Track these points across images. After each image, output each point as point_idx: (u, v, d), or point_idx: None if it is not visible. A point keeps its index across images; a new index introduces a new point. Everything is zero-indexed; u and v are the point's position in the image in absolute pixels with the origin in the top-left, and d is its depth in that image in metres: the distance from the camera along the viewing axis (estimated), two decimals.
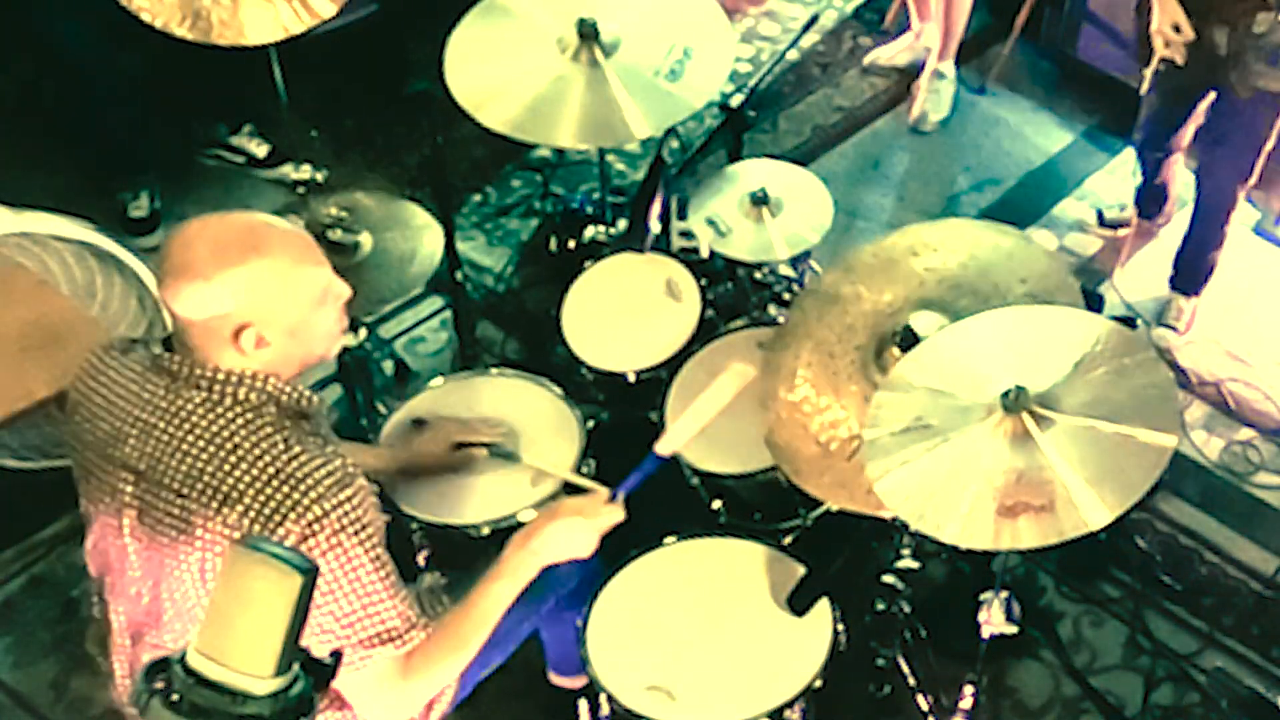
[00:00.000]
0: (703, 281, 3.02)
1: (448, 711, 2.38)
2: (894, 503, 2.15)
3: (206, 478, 1.92)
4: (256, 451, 1.92)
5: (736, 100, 3.20)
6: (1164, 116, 3.45)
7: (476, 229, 3.97)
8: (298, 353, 2.00)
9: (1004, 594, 2.53)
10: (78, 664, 3.02)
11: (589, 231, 3.63)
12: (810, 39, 4.54)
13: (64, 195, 3.29)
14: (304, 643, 1.38)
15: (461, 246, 3.48)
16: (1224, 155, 3.36)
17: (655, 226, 2.93)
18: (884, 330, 2.50)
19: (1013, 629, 2.56)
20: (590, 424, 2.72)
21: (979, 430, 2.15)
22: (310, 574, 1.36)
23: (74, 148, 3.99)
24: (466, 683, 2.35)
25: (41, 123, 4.10)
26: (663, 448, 2.24)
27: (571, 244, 3.70)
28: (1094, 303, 3.11)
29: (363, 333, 3.08)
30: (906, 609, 2.85)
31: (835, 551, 2.61)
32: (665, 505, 2.40)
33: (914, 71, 4.36)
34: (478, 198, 4.07)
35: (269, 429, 1.94)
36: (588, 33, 2.97)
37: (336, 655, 1.46)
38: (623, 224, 3.59)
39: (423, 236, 2.97)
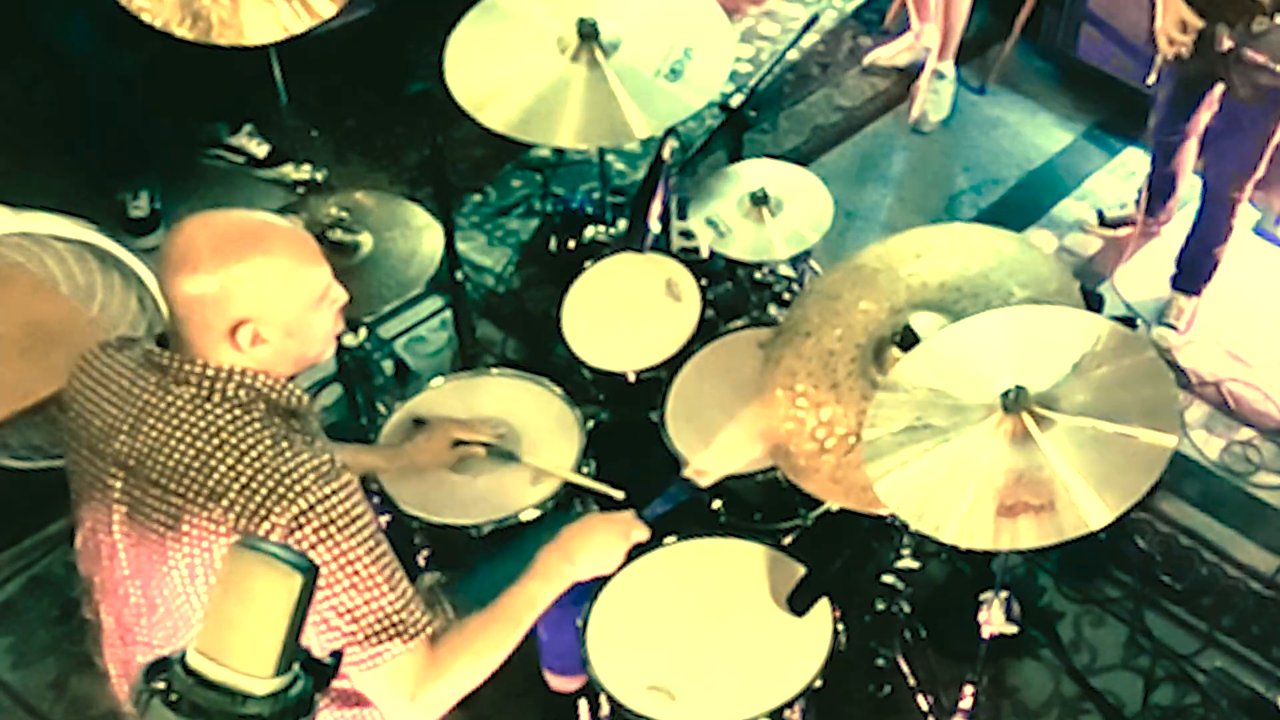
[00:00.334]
0: (703, 281, 3.02)
1: (446, 712, 2.38)
2: (894, 503, 2.15)
3: (193, 473, 1.92)
4: (243, 447, 1.92)
5: (736, 100, 3.20)
6: (1177, 102, 3.45)
7: (476, 229, 3.97)
8: (293, 352, 2.01)
9: (1004, 594, 2.53)
10: (78, 664, 3.02)
11: (589, 231, 3.63)
12: (810, 39, 4.54)
13: (64, 195, 3.29)
14: (310, 638, 1.38)
15: (461, 246, 3.48)
16: (1228, 149, 3.36)
17: (655, 226, 2.93)
18: (884, 330, 2.50)
19: (1013, 629, 2.56)
20: (590, 424, 2.72)
21: (979, 430, 2.15)
22: (310, 574, 1.36)
23: (74, 148, 4.00)
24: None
25: (41, 123, 4.11)
26: (704, 480, 2.26)
27: (571, 244, 3.70)
28: (1094, 303, 3.12)
29: (363, 333, 3.09)
30: (906, 609, 2.85)
31: (835, 551, 2.61)
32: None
33: (914, 71, 4.36)
34: (478, 198, 4.07)
35: (256, 425, 1.94)
36: (588, 33, 2.97)
37: (337, 655, 1.46)
38: (623, 224, 3.59)
39: (423, 236, 2.97)
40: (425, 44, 3.15)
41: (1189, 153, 3.62)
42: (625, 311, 3.03)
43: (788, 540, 2.65)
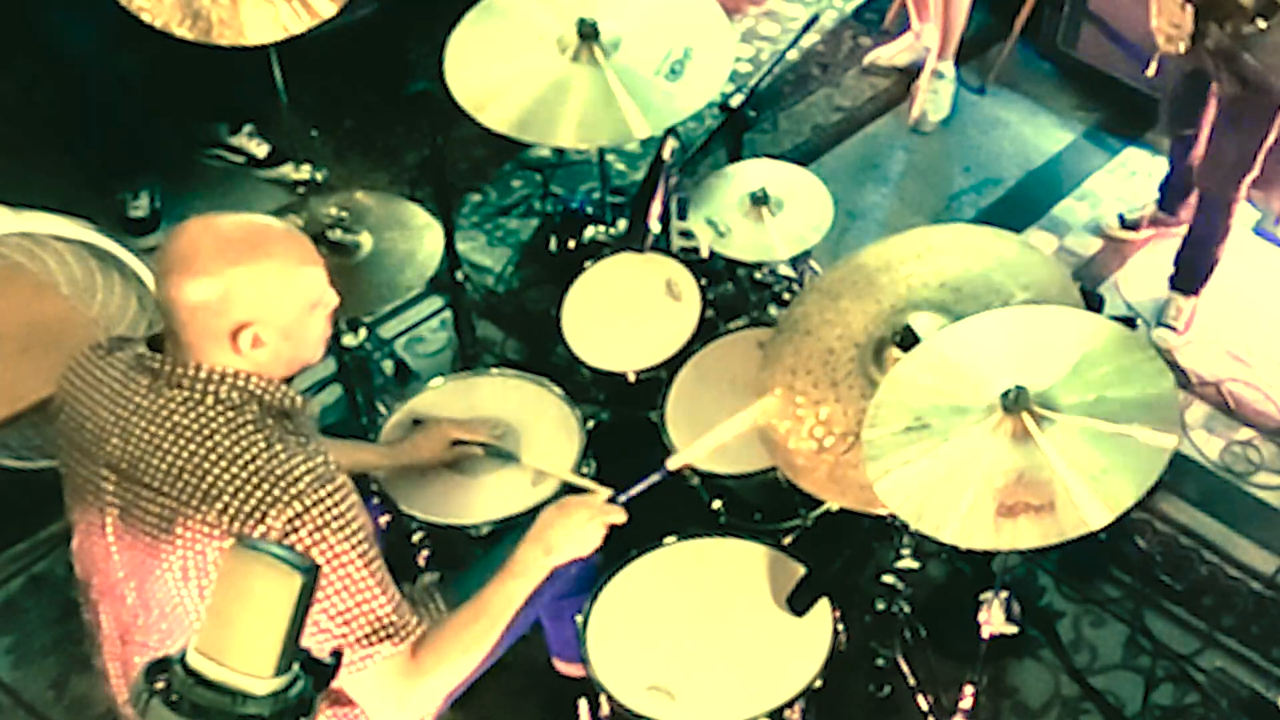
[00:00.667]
0: (703, 281, 3.02)
1: (445, 710, 2.38)
2: (894, 503, 2.15)
3: (186, 476, 1.93)
4: (236, 450, 1.92)
5: (736, 100, 3.20)
6: (1182, 97, 3.45)
7: (476, 229, 3.97)
8: (288, 355, 2.01)
9: (1004, 594, 2.53)
10: (78, 664, 3.02)
11: (589, 231, 3.63)
12: (810, 39, 4.54)
13: (64, 195, 3.29)
14: (301, 642, 1.38)
15: (461, 246, 3.48)
16: (1223, 148, 3.35)
17: (655, 226, 2.93)
18: (883, 330, 2.50)
19: (1013, 629, 2.56)
20: (590, 424, 2.72)
21: (979, 430, 2.15)
22: (310, 574, 1.36)
23: (74, 148, 4.00)
24: (464, 681, 2.35)
25: (41, 123, 4.11)
26: (674, 463, 2.25)
27: (571, 244, 3.70)
28: (1094, 303, 3.12)
29: (363, 333, 3.09)
30: (906, 609, 2.85)
31: (835, 551, 2.61)
32: (665, 505, 2.40)
33: (914, 71, 4.36)
34: (477, 198, 4.07)
35: (250, 427, 1.94)
36: (588, 33, 2.97)
37: (337, 655, 1.46)
38: (623, 224, 3.59)
39: (423, 236, 2.97)
40: (425, 44, 3.15)
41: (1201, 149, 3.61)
42: (625, 311, 3.03)
43: (788, 540, 2.65)
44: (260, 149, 4.08)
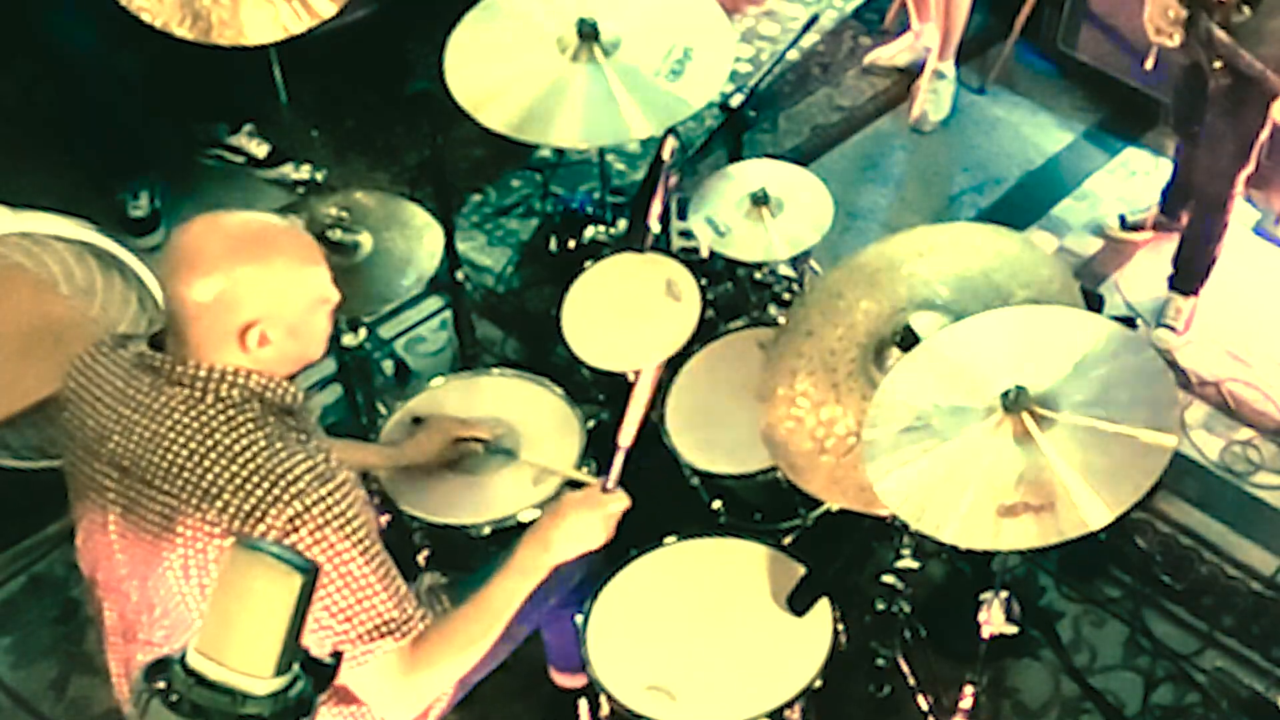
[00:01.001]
0: (703, 281, 3.01)
1: (447, 711, 2.38)
2: (894, 503, 2.15)
3: (187, 474, 1.93)
4: (237, 448, 1.92)
5: (736, 100, 3.20)
6: (1183, 92, 3.45)
7: (476, 229, 3.97)
8: (294, 352, 2.02)
9: (1004, 594, 2.53)
10: (78, 664, 3.02)
11: (589, 231, 3.63)
12: (810, 39, 4.54)
13: (64, 195, 3.29)
14: (303, 639, 1.38)
15: (461, 246, 3.48)
16: (1218, 142, 3.34)
17: (655, 226, 2.93)
18: (884, 330, 2.50)
19: (1013, 629, 2.56)
20: (591, 424, 2.72)
21: (979, 430, 2.15)
22: (310, 574, 1.36)
23: (74, 148, 4.00)
24: (467, 682, 2.35)
25: (41, 123, 4.10)
26: (623, 437, 2.23)
27: (571, 244, 3.70)
28: (1094, 303, 3.12)
29: (363, 333, 3.09)
30: (906, 609, 2.85)
31: (835, 551, 2.61)
32: (665, 505, 2.40)
33: (914, 71, 4.36)
34: (478, 198, 4.07)
35: (250, 425, 1.94)
36: (588, 33, 2.97)
37: (337, 655, 1.46)
38: (623, 224, 3.59)
39: (423, 236, 2.97)
40: (425, 44, 3.14)
41: None
42: (625, 311, 3.03)
43: (788, 540, 2.65)
44: (260, 149, 4.08)
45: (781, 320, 2.83)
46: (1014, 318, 2.34)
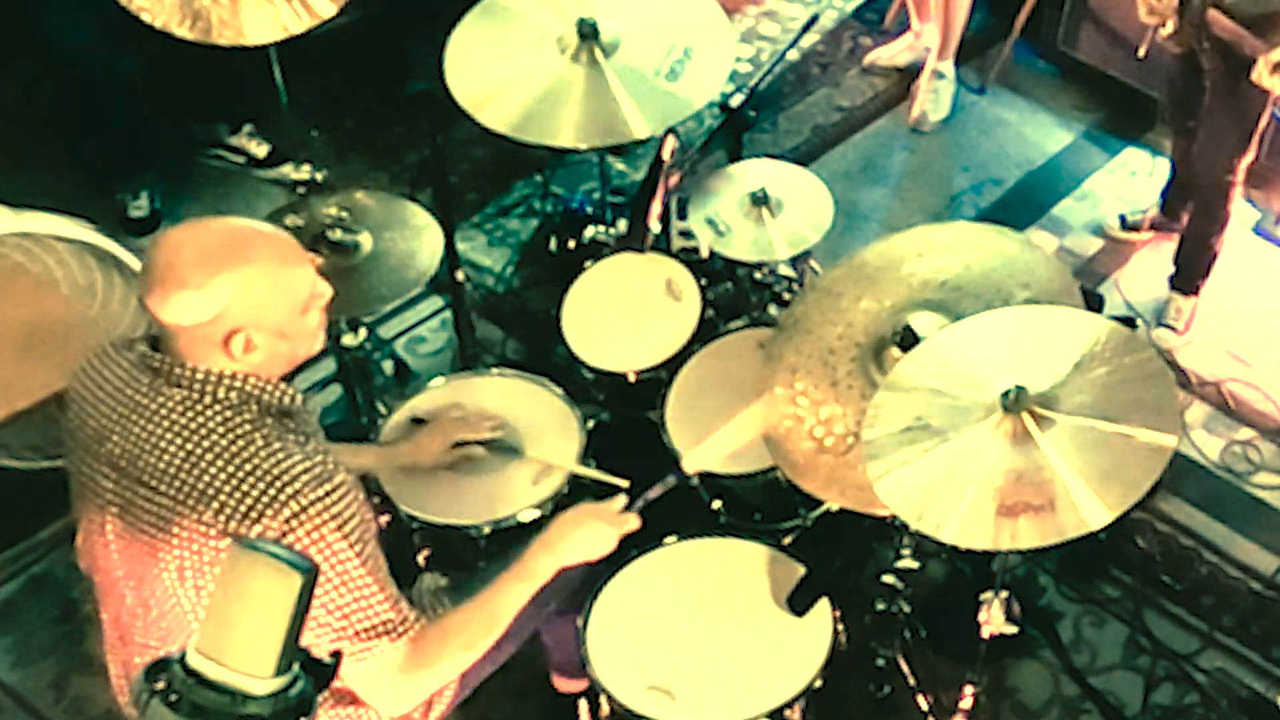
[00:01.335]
0: (703, 281, 3.02)
1: (448, 712, 2.38)
2: (894, 502, 2.15)
3: (184, 475, 1.93)
4: (233, 449, 1.92)
5: (736, 100, 3.20)
6: (1182, 86, 3.45)
7: (476, 229, 3.97)
8: (286, 352, 2.01)
9: (1004, 594, 2.53)
10: (78, 664, 3.02)
11: (589, 231, 3.63)
12: (810, 39, 4.53)
13: (64, 195, 3.29)
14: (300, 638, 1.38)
15: (461, 246, 3.48)
16: (1216, 129, 3.34)
17: (655, 226, 2.93)
18: (884, 330, 2.50)
19: (1013, 629, 2.56)
20: (590, 424, 2.72)
21: (979, 430, 2.15)
22: (310, 574, 1.36)
23: (74, 148, 4.00)
24: (467, 683, 2.35)
25: (41, 123, 4.10)
26: (690, 465, 2.26)
27: (571, 244, 3.70)
28: (1094, 303, 3.12)
29: (363, 333, 3.08)
30: (906, 609, 2.85)
31: (835, 551, 2.61)
32: (665, 505, 2.40)
33: (914, 71, 4.36)
34: (478, 197, 4.07)
35: (247, 427, 1.94)
36: (588, 33, 2.97)
37: (337, 655, 1.46)
38: (623, 224, 3.59)
39: (423, 236, 2.97)
40: (425, 44, 3.14)
41: None
42: (625, 311, 3.03)
43: (788, 540, 2.65)
44: (260, 149, 4.08)
45: (781, 319, 2.83)
46: (1014, 318, 2.34)
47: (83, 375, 2.07)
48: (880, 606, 2.85)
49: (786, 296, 3.23)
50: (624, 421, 2.99)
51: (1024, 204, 4.06)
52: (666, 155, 2.86)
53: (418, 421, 2.71)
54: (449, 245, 3.04)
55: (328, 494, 1.92)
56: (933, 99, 4.27)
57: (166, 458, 1.94)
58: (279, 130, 3.92)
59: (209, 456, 1.92)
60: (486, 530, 2.55)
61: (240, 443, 1.93)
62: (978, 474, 2.12)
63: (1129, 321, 3.46)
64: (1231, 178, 3.37)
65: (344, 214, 2.91)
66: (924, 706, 2.87)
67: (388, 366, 3.52)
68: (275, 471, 1.91)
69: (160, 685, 1.36)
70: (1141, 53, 3.36)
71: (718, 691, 2.34)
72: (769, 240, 3.06)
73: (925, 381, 2.24)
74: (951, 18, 4.14)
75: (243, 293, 1.91)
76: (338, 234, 2.89)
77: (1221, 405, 3.52)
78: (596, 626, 2.43)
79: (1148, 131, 4.19)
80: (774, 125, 4.29)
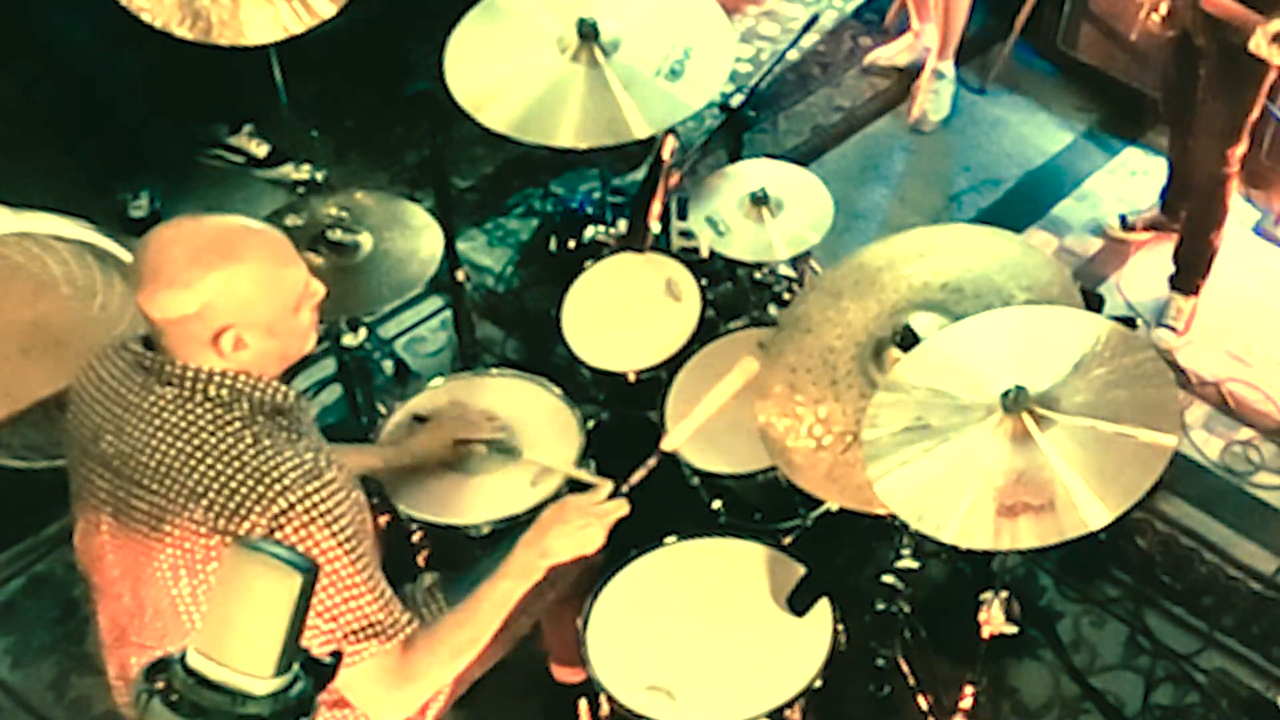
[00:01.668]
0: (703, 281, 3.02)
1: (445, 710, 2.38)
2: (894, 502, 2.15)
3: (174, 473, 1.93)
4: (223, 447, 1.92)
5: (736, 100, 3.20)
6: (1176, 79, 3.45)
7: (476, 229, 3.97)
8: (277, 351, 2.01)
9: (1004, 594, 2.53)
10: (78, 664, 3.02)
11: (589, 231, 3.63)
12: (810, 39, 4.54)
13: (64, 195, 3.29)
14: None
15: (461, 246, 3.48)
16: (1209, 118, 3.33)
17: (655, 226, 2.93)
18: (884, 330, 2.50)
19: (1013, 629, 2.55)
20: (590, 424, 2.72)
21: (979, 430, 2.15)
22: (311, 574, 1.36)
23: (74, 148, 4.00)
24: (465, 679, 2.35)
25: (41, 123, 4.10)
26: (668, 444, 2.25)
27: (571, 244, 3.70)
28: (1094, 303, 3.11)
29: (363, 333, 3.08)
30: (906, 609, 2.85)
31: (835, 551, 2.61)
32: (665, 505, 2.40)
33: (914, 71, 4.36)
34: (477, 198, 4.06)
35: (238, 424, 1.94)
36: (588, 33, 2.97)
37: (337, 655, 1.46)
38: (623, 224, 3.59)
39: (423, 236, 2.97)
40: (425, 44, 3.14)
41: None
42: (625, 311, 3.03)
43: (788, 540, 2.65)
44: (260, 149, 4.08)
45: (781, 318, 2.83)
46: (1014, 318, 2.34)
47: (83, 375, 2.07)
48: (880, 606, 2.85)
49: (786, 296, 3.23)
50: (624, 421, 2.99)
51: (1024, 204, 4.06)
52: (666, 155, 2.86)
53: (419, 420, 2.71)
54: (449, 245, 3.04)
55: (316, 491, 1.92)
56: (933, 99, 4.27)
57: (158, 456, 1.94)
58: (279, 130, 3.92)
59: (199, 454, 1.92)
60: (486, 530, 2.55)
61: (230, 440, 1.93)
62: (978, 474, 2.12)
63: (1129, 321, 3.45)
64: (1227, 170, 3.37)
65: (344, 214, 2.91)
66: (924, 706, 2.87)
67: (388, 366, 3.52)
68: (264, 468, 1.90)
69: (160, 685, 1.36)
70: (1134, 36, 3.35)
71: (718, 691, 2.34)
72: (769, 240, 3.06)
73: (925, 381, 2.24)
74: (951, 18, 4.14)
75: (232, 290, 1.90)
76: (338, 234, 2.89)
77: (1221, 405, 3.52)
78: (597, 626, 2.43)
79: (1147, 131, 4.19)
80: (774, 125, 4.29)
